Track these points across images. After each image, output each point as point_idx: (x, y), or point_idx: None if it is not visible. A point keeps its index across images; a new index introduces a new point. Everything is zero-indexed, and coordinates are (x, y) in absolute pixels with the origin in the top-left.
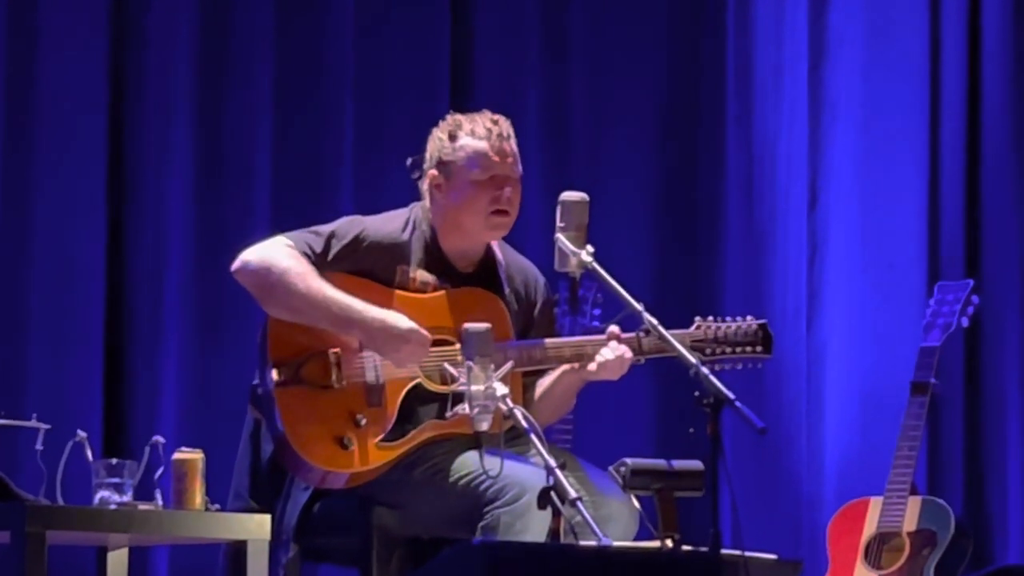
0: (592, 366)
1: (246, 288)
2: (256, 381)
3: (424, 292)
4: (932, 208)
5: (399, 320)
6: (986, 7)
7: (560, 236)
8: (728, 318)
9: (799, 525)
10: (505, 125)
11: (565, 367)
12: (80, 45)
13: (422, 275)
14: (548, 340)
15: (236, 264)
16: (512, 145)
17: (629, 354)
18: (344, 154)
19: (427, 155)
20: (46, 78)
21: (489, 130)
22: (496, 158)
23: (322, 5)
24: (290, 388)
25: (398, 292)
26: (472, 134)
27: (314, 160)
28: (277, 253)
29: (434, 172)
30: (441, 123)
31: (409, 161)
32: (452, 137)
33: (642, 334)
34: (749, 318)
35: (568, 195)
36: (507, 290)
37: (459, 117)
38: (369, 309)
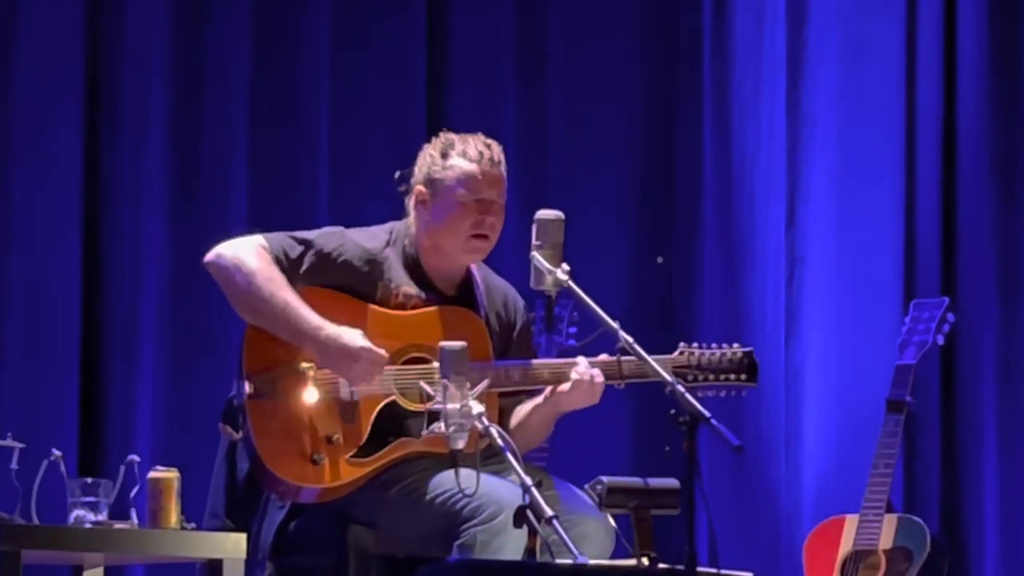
0: (565, 387)
1: (214, 280)
2: (233, 393)
3: (406, 307)
4: (908, 226)
5: (353, 338)
6: (962, 25)
7: (536, 254)
8: (714, 345)
9: (776, 543)
10: (497, 150)
11: (539, 400)
12: (55, 64)
13: (406, 289)
14: (527, 361)
15: (209, 256)
16: (502, 171)
17: (600, 378)
18: (320, 172)
19: (416, 170)
20: (21, 98)
21: (481, 153)
22: (484, 182)
23: (297, 24)
24: (263, 401)
25: (376, 308)
26: (464, 155)
27: (290, 178)
28: (249, 253)
29: (421, 188)
30: (434, 139)
31: (397, 174)
32: (444, 155)
33: (622, 357)
34: (735, 345)
35: (544, 213)
36: (487, 311)
37: (452, 136)
38: (325, 326)
